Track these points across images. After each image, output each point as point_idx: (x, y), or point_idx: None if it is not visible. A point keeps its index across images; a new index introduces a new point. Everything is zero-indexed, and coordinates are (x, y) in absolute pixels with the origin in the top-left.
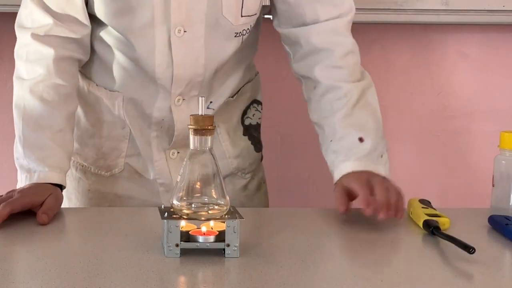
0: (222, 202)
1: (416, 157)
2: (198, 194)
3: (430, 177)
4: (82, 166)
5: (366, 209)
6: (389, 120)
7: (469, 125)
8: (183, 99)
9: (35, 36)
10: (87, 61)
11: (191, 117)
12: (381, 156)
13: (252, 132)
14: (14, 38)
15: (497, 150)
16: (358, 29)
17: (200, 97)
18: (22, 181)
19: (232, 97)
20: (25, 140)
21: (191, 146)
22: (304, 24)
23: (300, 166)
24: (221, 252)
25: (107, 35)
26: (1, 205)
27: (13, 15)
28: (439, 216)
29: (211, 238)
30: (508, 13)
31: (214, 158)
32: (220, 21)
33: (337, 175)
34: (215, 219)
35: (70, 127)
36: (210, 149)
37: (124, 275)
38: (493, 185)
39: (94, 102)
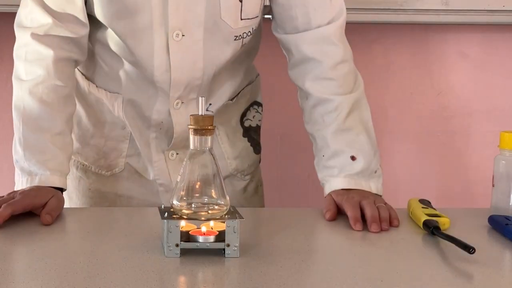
0: (222, 202)
1: (416, 157)
2: (198, 194)
3: (430, 177)
4: (83, 165)
5: (354, 227)
6: (389, 120)
7: (469, 125)
8: (182, 102)
9: (35, 36)
10: (87, 63)
11: (191, 117)
12: (375, 172)
13: (251, 134)
14: (14, 38)
15: (497, 150)
16: (358, 29)
17: (200, 97)
18: (22, 184)
19: (231, 100)
20: (25, 142)
21: (191, 146)
22: (296, 29)
23: (300, 166)
24: (221, 252)
25: (107, 37)
26: (2, 206)
27: (13, 15)
28: (439, 216)
29: (211, 238)
30: (508, 13)
31: (214, 158)
32: (218, 24)
33: (327, 189)
34: (215, 219)
35: (69, 129)
36: (210, 149)
37: (124, 275)
38: (493, 185)
39: (94, 102)
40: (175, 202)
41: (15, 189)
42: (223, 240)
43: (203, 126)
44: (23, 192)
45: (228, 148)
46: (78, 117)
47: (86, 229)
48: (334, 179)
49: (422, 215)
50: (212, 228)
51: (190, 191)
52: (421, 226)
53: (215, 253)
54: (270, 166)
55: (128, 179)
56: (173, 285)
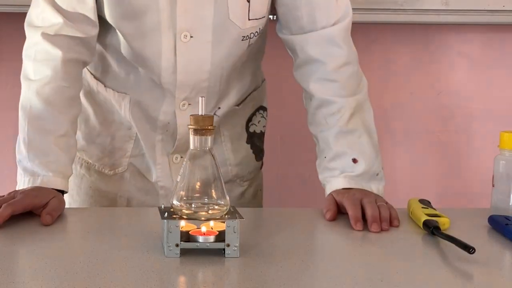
0: (222, 202)
1: (416, 157)
2: (198, 194)
3: (430, 177)
4: (87, 163)
5: (355, 226)
6: (389, 120)
7: (469, 125)
8: (189, 104)
9: (45, 36)
10: (96, 63)
11: (191, 117)
12: (377, 174)
13: (255, 141)
14: (14, 38)
15: (497, 150)
16: (358, 29)
17: (200, 97)
18: (24, 183)
19: (238, 105)
20: (29, 142)
21: (191, 146)
22: (302, 30)
23: (300, 167)
24: (221, 252)
25: (116, 38)
26: (2, 206)
27: (13, 15)
28: (439, 216)
29: (211, 238)
30: (508, 13)
31: (214, 158)
32: (227, 25)
33: (328, 190)
34: (215, 219)
35: (74, 131)
36: (210, 149)
37: (124, 275)
38: (493, 185)
39: (103, 102)
40: (175, 202)
41: (17, 189)
42: (223, 240)
43: (203, 126)
44: (24, 192)
45: (231, 155)
46: (86, 116)
47: (86, 229)
48: (335, 179)
49: (422, 215)
50: (212, 228)
51: (190, 191)
52: (421, 226)
53: (215, 253)
54: (270, 167)
55: (130, 180)
56: (173, 285)
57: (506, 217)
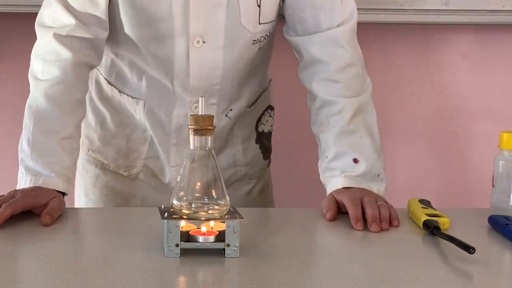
0: (222, 202)
1: (416, 157)
2: (198, 194)
3: (430, 177)
4: (102, 164)
5: (355, 226)
6: (389, 120)
7: (469, 125)
8: None
9: (57, 36)
10: (109, 69)
11: (191, 117)
12: (378, 175)
13: (263, 141)
14: (14, 38)
15: (497, 150)
16: (358, 29)
17: (200, 97)
18: (26, 183)
19: (249, 107)
20: (33, 142)
21: (191, 146)
22: (306, 31)
23: (300, 166)
24: (221, 252)
25: (129, 44)
26: (2, 206)
27: (13, 15)
28: (439, 216)
29: (211, 238)
30: (508, 13)
31: (214, 158)
32: (239, 30)
33: (329, 189)
34: (215, 219)
35: (78, 134)
36: (210, 149)
37: (124, 275)
38: (493, 185)
39: (118, 106)
40: (175, 202)
41: (17, 188)
42: (223, 240)
43: (203, 126)
44: (24, 191)
45: (241, 156)
46: (102, 118)
47: (86, 229)
48: (335, 179)
49: (422, 215)
50: (212, 228)
51: (190, 191)
52: (421, 226)
53: (215, 253)
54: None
55: (144, 180)
56: (173, 285)
57: (506, 217)
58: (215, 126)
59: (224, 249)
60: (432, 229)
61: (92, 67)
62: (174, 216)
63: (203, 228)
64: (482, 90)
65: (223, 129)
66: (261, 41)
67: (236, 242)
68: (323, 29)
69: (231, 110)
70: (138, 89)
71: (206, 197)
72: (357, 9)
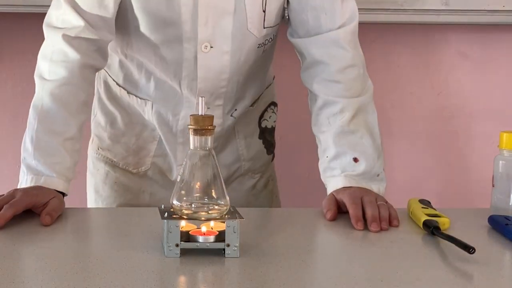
0: (222, 202)
1: (416, 157)
2: (198, 194)
3: (430, 177)
4: (112, 161)
5: (356, 226)
6: (389, 120)
7: (469, 125)
8: (208, 108)
9: (66, 37)
10: (117, 71)
11: (191, 117)
12: (377, 175)
13: (266, 136)
14: (14, 38)
15: (497, 150)
16: (358, 29)
17: (200, 97)
18: (27, 182)
19: (252, 105)
20: (37, 141)
21: (191, 146)
22: (308, 33)
23: (300, 166)
24: (221, 252)
25: (140, 46)
26: (4, 207)
27: (13, 15)
28: (439, 216)
29: (211, 238)
30: (508, 13)
31: (214, 158)
32: (245, 35)
33: (329, 189)
34: (215, 219)
35: (81, 136)
36: (210, 149)
37: (124, 275)
38: (493, 185)
39: (126, 106)
40: (175, 202)
41: (18, 186)
42: (223, 240)
43: (203, 126)
44: (24, 190)
45: (244, 151)
46: (112, 118)
47: (86, 229)
48: (335, 179)
49: (422, 215)
50: (212, 228)
51: (190, 191)
52: (421, 226)
53: (215, 253)
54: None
55: (152, 177)
56: (173, 285)
57: (506, 217)
58: (215, 126)
59: (224, 249)
60: (432, 229)
61: (97, 69)
62: (174, 216)
63: (203, 228)
64: (482, 90)
65: (227, 127)
66: (265, 44)
67: (236, 242)
68: (324, 31)
69: (235, 110)
70: (146, 90)
71: (206, 197)
72: (358, 9)
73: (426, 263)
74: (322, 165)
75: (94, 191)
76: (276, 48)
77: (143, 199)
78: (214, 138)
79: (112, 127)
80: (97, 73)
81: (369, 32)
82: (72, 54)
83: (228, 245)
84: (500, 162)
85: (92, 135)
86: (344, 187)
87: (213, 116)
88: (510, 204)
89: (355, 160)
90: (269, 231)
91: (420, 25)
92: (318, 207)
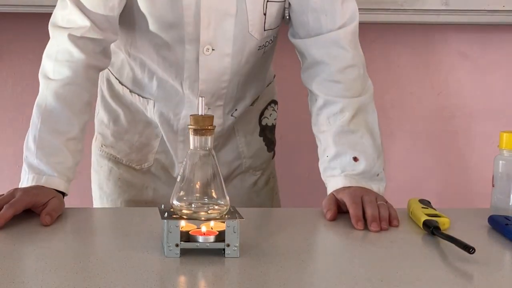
0: (222, 202)
1: (416, 157)
2: (198, 194)
3: (430, 177)
4: (115, 158)
5: (356, 225)
6: (389, 120)
7: (469, 125)
8: (208, 108)
9: (72, 37)
10: (120, 70)
11: (190, 117)
12: (377, 175)
13: (267, 134)
14: (14, 38)
15: (497, 150)
16: (358, 29)
17: (200, 97)
18: (28, 181)
19: (252, 104)
20: (40, 140)
21: (191, 146)
22: (308, 34)
23: (300, 166)
24: (221, 252)
25: (140, 47)
26: (4, 206)
27: (13, 15)
28: (439, 216)
29: (211, 238)
30: (508, 13)
31: (214, 158)
32: (246, 38)
33: (330, 189)
34: (215, 219)
35: (83, 136)
36: (210, 149)
37: (124, 275)
38: (493, 185)
39: (129, 104)
40: (175, 202)
41: (19, 185)
42: (223, 240)
43: (203, 126)
44: (24, 190)
45: (245, 148)
46: (115, 116)
47: (86, 229)
48: (335, 178)
49: (422, 215)
50: (212, 228)
51: (190, 191)
52: (421, 226)
53: (215, 253)
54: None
55: (155, 173)
56: (173, 285)
57: (506, 217)
58: (215, 126)
59: (224, 249)
60: (432, 229)
61: (101, 70)
62: (174, 216)
63: (203, 228)
64: (482, 90)
65: (228, 127)
66: (266, 46)
67: (236, 242)
68: (324, 31)
69: (236, 109)
70: (149, 89)
71: (206, 197)
72: (358, 9)
73: (426, 263)
74: (322, 164)
75: (98, 188)
76: (277, 48)
77: (147, 195)
78: (214, 138)
79: (115, 124)
80: None
81: (369, 32)
82: (77, 54)
83: (228, 245)
84: (500, 162)
85: (96, 132)
86: (344, 187)
87: (213, 116)
88: (510, 204)
89: (355, 159)
90: (269, 231)
91: (420, 25)
92: (318, 207)
